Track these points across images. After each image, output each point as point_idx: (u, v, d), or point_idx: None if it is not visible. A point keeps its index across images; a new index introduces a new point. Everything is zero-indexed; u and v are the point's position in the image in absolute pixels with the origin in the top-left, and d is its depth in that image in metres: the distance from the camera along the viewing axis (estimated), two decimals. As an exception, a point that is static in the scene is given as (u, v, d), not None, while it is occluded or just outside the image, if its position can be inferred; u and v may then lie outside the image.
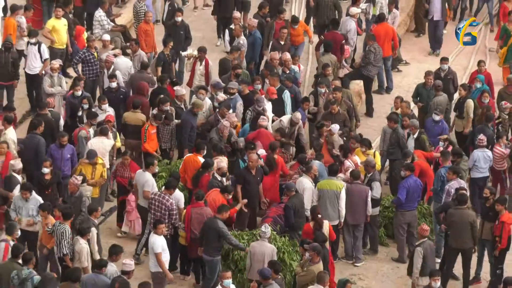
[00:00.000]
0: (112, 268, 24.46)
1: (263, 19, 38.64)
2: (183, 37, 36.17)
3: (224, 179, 28.22)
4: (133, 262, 24.71)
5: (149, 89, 32.73)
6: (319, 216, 26.97)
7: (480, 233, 26.73)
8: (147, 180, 27.97)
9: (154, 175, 28.76)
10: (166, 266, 25.61)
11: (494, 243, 26.69)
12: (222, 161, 28.77)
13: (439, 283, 23.88)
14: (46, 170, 27.43)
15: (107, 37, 34.14)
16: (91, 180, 28.06)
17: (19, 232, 25.84)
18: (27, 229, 26.04)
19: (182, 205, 27.27)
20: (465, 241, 26.69)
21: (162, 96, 31.54)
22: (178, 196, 27.57)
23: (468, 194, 27.93)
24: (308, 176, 28.21)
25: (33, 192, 26.37)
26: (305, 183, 28.38)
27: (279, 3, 39.31)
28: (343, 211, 27.52)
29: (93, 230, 25.97)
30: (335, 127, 29.93)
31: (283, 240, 26.20)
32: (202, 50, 33.27)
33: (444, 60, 36.60)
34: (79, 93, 31.26)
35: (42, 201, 26.05)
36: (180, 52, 34.29)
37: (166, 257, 25.51)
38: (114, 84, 31.43)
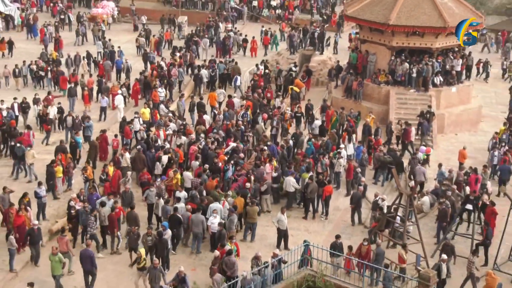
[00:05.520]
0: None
1: None
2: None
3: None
4: None
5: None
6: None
7: (317, 191, 25.36)
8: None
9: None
10: None
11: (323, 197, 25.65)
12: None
13: None
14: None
15: (170, 114, 32.62)
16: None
17: None
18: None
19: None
20: (314, 194, 25.38)
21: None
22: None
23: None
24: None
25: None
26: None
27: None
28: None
29: None
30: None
31: (238, 198, 24.29)
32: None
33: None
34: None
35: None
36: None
37: None
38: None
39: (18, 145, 28.03)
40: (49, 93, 35.21)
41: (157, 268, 19.79)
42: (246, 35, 47.68)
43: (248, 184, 25.36)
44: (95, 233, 22.77)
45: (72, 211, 23.12)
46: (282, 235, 23.41)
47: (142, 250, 20.61)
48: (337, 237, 22.01)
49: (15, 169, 27.98)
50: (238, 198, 24.55)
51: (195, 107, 33.97)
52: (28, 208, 23.16)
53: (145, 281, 20.30)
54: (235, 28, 50.66)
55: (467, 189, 26.25)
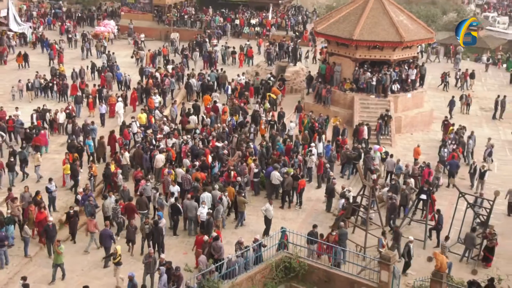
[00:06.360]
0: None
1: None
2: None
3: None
4: None
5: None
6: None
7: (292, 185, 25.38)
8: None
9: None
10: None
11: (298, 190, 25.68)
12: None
13: None
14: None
15: (164, 118, 32.41)
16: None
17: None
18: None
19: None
20: (290, 187, 25.39)
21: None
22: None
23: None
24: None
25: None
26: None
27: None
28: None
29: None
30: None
31: (226, 189, 24.32)
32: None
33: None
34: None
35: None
36: None
37: None
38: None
39: (19, 150, 27.73)
40: (69, 103, 34.90)
41: (152, 257, 19.77)
42: (234, 47, 47.90)
43: (239, 179, 25.26)
44: (120, 221, 23.05)
45: (71, 211, 22.77)
46: (269, 222, 23.25)
47: (118, 247, 20.33)
48: (314, 226, 21.81)
49: (23, 171, 27.40)
50: (229, 188, 24.53)
51: (185, 111, 33.82)
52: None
53: (118, 274, 20.05)
54: (226, 43, 50.55)
55: (412, 181, 26.14)
